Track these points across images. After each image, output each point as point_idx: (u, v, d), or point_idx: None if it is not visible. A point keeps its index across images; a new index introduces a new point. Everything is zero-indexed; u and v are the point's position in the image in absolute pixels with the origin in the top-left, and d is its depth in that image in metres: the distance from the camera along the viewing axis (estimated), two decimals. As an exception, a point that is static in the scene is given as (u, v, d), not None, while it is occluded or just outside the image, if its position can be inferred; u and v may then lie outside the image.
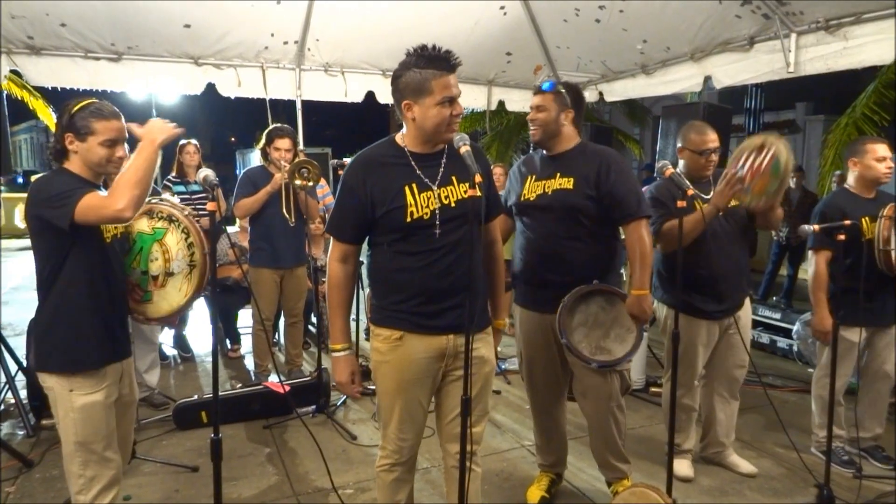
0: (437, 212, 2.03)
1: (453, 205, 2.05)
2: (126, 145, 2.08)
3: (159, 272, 2.24)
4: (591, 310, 2.63)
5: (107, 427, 2.08)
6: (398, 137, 2.11)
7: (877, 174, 3.16)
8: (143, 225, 2.25)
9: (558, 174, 2.66)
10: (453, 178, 2.08)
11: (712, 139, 2.97)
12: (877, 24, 3.73)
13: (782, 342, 5.28)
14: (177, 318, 2.43)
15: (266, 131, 4.15)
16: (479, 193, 1.87)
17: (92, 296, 2.05)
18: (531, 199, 2.70)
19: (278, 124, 4.21)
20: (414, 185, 2.02)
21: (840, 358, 3.03)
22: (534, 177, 2.74)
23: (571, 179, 2.62)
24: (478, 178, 1.84)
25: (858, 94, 6.97)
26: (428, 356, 2.09)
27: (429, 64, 1.95)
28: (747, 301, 3.14)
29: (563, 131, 2.67)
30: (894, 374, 3.32)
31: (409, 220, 2.01)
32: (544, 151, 2.77)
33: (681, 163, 3.05)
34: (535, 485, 3.01)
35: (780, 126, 13.84)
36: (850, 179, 3.30)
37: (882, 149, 3.17)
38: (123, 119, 2.06)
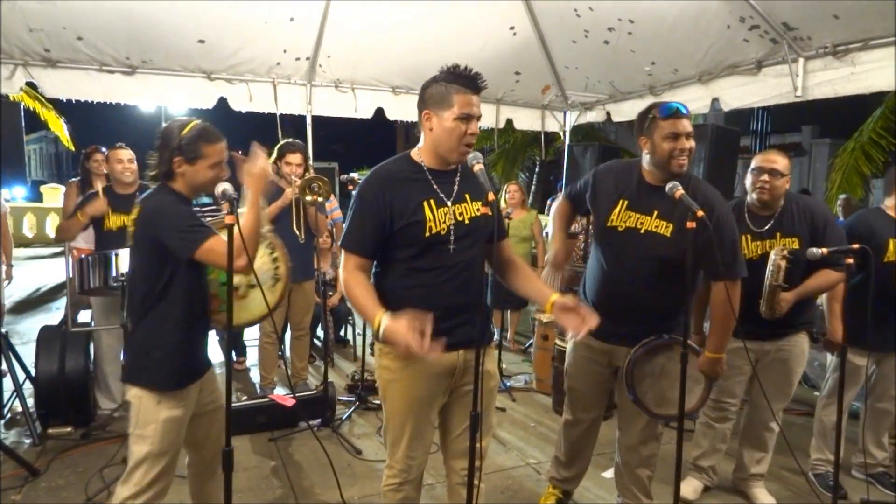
0: (452, 228, 2.05)
1: (467, 221, 2.07)
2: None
3: (241, 284, 2.27)
4: (659, 360, 2.50)
5: (180, 442, 2.17)
6: (414, 154, 2.12)
7: None
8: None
9: (656, 213, 2.44)
10: (467, 196, 2.10)
11: (769, 160, 2.89)
12: (884, 51, 3.77)
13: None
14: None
15: (277, 146, 4.18)
16: (490, 212, 1.90)
17: (189, 317, 2.12)
18: (620, 229, 2.50)
19: (289, 139, 4.25)
20: (432, 201, 2.04)
21: (848, 382, 3.04)
22: (627, 203, 2.51)
23: (670, 226, 2.41)
24: (491, 196, 1.86)
25: (864, 118, 7.02)
26: (439, 372, 2.10)
27: (455, 80, 1.99)
28: (798, 337, 2.99)
29: None
30: None
31: (427, 234, 2.02)
32: (644, 175, 2.51)
33: (747, 184, 3.00)
34: (542, 501, 3.00)
35: (787, 148, 13.90)
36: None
37: None
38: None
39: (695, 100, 5.16)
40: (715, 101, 4.98)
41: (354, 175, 4.44)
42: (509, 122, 6.61)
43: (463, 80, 1.99)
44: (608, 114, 6.17)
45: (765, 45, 4.31)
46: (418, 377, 2.09)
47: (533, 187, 10.48)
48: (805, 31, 4.04)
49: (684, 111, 2.40)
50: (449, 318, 2.05)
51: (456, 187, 2.10)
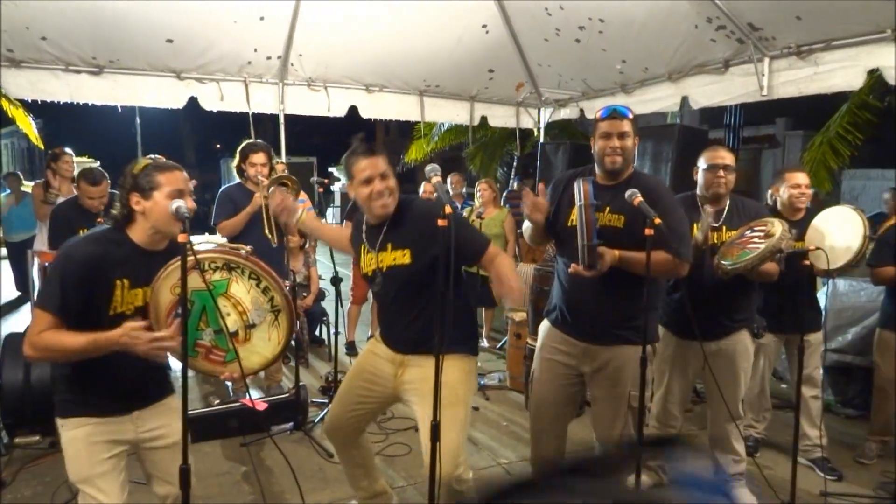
0: (377, 271, 2.43)
1: (384, 269, 2.40)
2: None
3: (237, 327, 2.05)
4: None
5: (90, 465, 2.03)
6: None
7: (791, 199, 3.49)
8: (196, 281, 1.92)
9: (608, 209, 2.52)
10: (388, 245, 2.38)
11: (720, 156, 3.04)
12: (846, 51, 3.85)
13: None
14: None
15: (239, 148, 4.10)
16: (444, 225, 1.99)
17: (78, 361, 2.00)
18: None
19: (251, 140, 4.19)
20: (364, 247, 2.48)
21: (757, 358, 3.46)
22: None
23: (622, 217, 2.50)
24: (448, 209, 1.90)
25: (837, 109, 7.10)
26: (381, 354, 2.55)
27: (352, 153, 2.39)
28: (740, 335, 3.04)
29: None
30: (820, 380, 3.59)
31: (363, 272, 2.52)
32: (595, 178, 2.59)
33: (698, 181, 3.09)
34: None
35: (761, 140, 14.07)
36: (779, 204, 3.60)
37: (798, 177, 3.50)
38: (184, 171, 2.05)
39: (665, 97, 5.23)
40: (685, 98, 5.04)
41: (328, 176, 4.40)
42: (484, 118, 6.63)
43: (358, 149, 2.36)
44: (581, 111, 6.21)
45: (731, 44, 4.37)
46: (372, 351, 2.61)
47: (513, 182, 10.53)
48: (769, 32, 4.10)
49: (624, 113, 2.52)
50: (389, 331, 2.56)
51: (381, 237, 2.40)
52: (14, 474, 3.26)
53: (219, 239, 4.00)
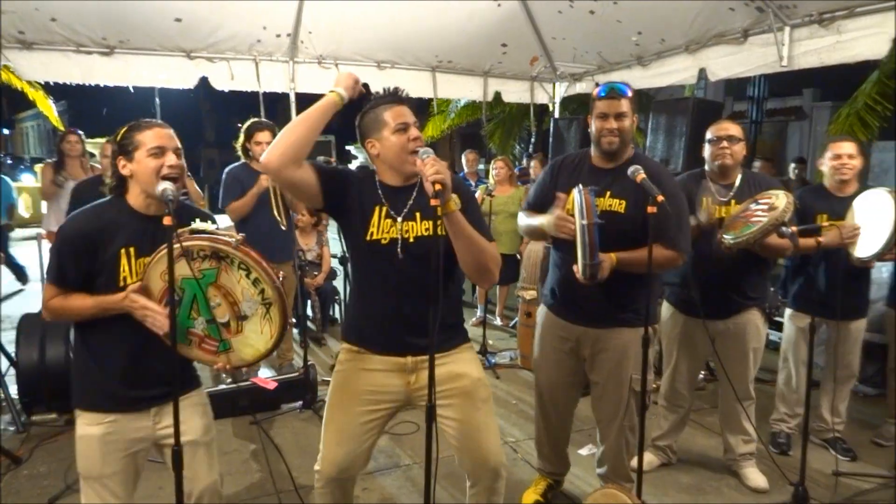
0: (399, 242, 2.06)
1: (412, 241, 2.06)
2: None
3: (228, 317, 1.93)
4: None
5: (102, 464, 1.96)
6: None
7: (832, 172, 3.27)
8: (185, 269, 1.83)
9: (609, 193, 2.44)
10: (417, 214, 2.07)
11: (723, 128, 2.96)
12: (870, 18, 3.68)
13: (773, 335, 5.23)
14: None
15: (245, 126, 4.04)
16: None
17: (96, 345, 1.98)
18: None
19: (256, 118, 4.16)
20: (382, 209, 2.08)
21: (792, 344, 3.43)
22: None
23: (623, 202, 2.43)
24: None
25: (867, 79, 6.84)
26: (387, 369, 2.12)
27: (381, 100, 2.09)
28: (750, 314, 3.00)
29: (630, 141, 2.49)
30: (857, 368, 3.46)
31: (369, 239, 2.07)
32: (592, 160, 2.55)
33: (705, 156, 3.02)
34: (531, 488, 2.97)
35: (787, 113, 13.66)
36: (825, 179, 3.40)
37: (842, 147, 3.27)
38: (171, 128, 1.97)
39: (683, 70, 5.09)
40: (702, 71, 4.89)
41: (346, 154, 4.36)
42: (498, 94, 6.52)
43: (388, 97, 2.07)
44: (597, 85, 6.07)
45: (750, 13, 4.22)
46: (361, 368, 2.13)
47: (524, 160, 10.44)
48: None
49: (622, 91, 2.41)
50: (394, 323, 2.12)
51: (409, 203, 2.08)
52: (31, 451, 3.34)
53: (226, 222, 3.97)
